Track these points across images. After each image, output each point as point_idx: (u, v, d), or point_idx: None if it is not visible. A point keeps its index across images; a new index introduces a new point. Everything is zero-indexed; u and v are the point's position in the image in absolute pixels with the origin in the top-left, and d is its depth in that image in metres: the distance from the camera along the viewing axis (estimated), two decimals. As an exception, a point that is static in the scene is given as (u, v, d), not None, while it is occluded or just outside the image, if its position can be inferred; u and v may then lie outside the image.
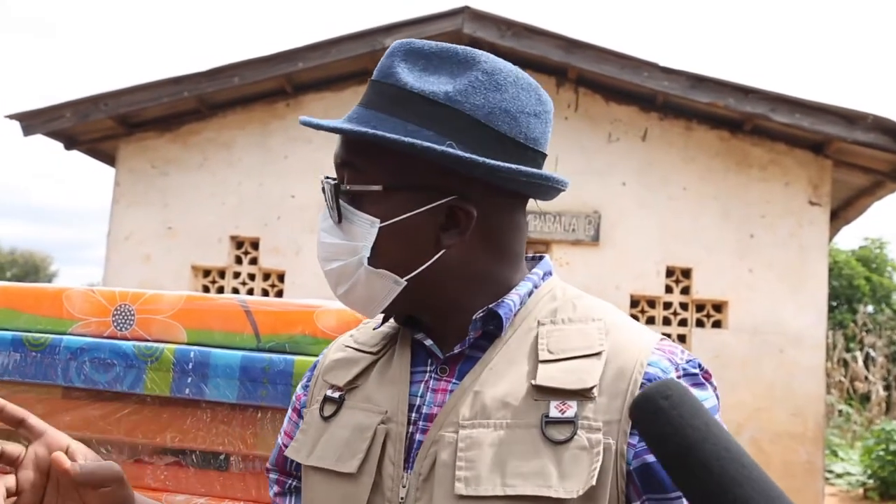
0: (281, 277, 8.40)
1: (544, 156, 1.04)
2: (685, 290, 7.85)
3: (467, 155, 0.94)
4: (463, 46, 1.02)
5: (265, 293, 8.34)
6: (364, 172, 1.00)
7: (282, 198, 8.37)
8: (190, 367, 1.43)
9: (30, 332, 1.53)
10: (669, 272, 7.89)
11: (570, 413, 0.90)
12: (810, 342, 7.54)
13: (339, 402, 1.05)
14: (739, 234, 7.79)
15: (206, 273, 8.50)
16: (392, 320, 1.08)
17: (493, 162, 0.95)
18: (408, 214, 0.98)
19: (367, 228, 0.98)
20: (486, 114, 0.97)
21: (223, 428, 1.43)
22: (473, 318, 0.99)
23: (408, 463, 0.96)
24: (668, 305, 7.83)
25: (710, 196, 7.85)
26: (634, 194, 7.87)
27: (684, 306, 7.83)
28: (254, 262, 8.45)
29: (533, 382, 0.93)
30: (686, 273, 7.88)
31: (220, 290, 8.36)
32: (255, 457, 1.44)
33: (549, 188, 1.03)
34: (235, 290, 8.32)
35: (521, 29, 7.87)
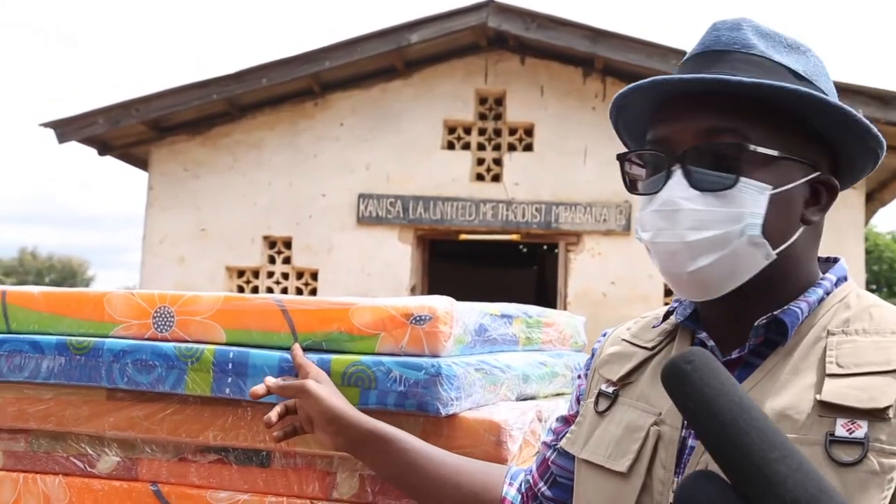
0: (314, 276, 8.46)
1: None
2: (719, 278, 7.78)
3: (860, 117, 0.94)
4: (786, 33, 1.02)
5: (299, 292, 8.40)
6: (747, 137, 0.93)
7: (312, 196, 8.42)
8: (229, 366, 1.45)
9: (73, 335, 1.56)
10: (703, 260, 7.82)
11: (859, 434, 0.82)
12: (848, 327, 7.44)
13: (612, 398, 1.04)
14: (773, 220, 7.71)
15: (241, 273, 8.59)
16: (672, 317, 1.06)
17: (868, 124, 0.95)
18: (795, 184, 0.94)
19: (755, 196, 0.92)
20: (830, 91, 0.99)
21: (264, 426, 1.46)
22: (756, 324, 0.94)
23: (678, 468, 0.93)
24: (702, 293, 7.77)
25: (741, 182, 7.78)
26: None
27: (719, 294, 7.76)
28: (287, 261, 8.52)
29: (818, 397, 0.86)
30: (720, 260, 7.81)
31: (255, 290, 8.44)
32: (295, 453, 1.46)
33: (863, 174, 1.03)
34: (269, 290, 8.39)
35: (546, 20, 7.85)
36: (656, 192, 0.97)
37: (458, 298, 1.51)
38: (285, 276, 8.52)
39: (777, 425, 0.83)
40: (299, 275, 8.52)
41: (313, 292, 8.33)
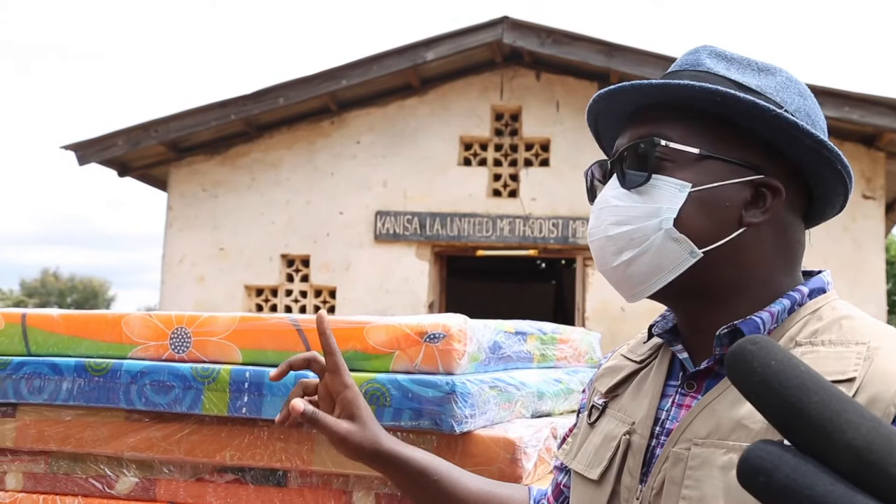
0: (332, 293, 8.48)
1: None
2: (739, 291, 7.73)
3: (803, 124, 0.93)
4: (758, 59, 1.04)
5: (317, 310, 8.42)
6: (667, 137, 0.98)
7: (330, 214, 8.46)
8: (246, 386, 1.46)
9: (92, 357, 1.58)
10: (722, 273, 7.79)
11: None
12: (871, 339, 7.37)
13: (601, 409, 1.08)
14: (792, 232, 7.66)
15: (259, 292, 8.63)
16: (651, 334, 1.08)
17: (820, 136, 0.94)
18: (719, 183, 0.96)
19: (674, 192, 0.96)
20: (794, 110, 0.98)
21: (280, 445, 1.46)
22: (717, 333, 0.95)
23: (644, 476, 0.96)
24: (721, 306, 7.73)
25: (760, 194, 7.74)
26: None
27: (738, 307, 7.72)
28: (305, 279, 8.55)
29: None
30: (739, 273, 7.77)
31: (273, 308, 8.47)
32: (312, 472, 1.46)
33: (839, 197, 1.02)
34: (288, 308, 8.42)
35: (561, 35, 7.87)
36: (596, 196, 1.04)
37: (477, 315, 1.52)
38: (303, 294, 8.55)
39: (734, 435, 0.87)
40: (317, 293, 8.54)
41: (331, 310, 8.35)
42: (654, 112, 1.00)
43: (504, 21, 7.94)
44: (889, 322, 12.07)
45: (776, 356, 0.62)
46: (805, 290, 0.99)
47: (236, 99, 8.28)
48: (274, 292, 8.59)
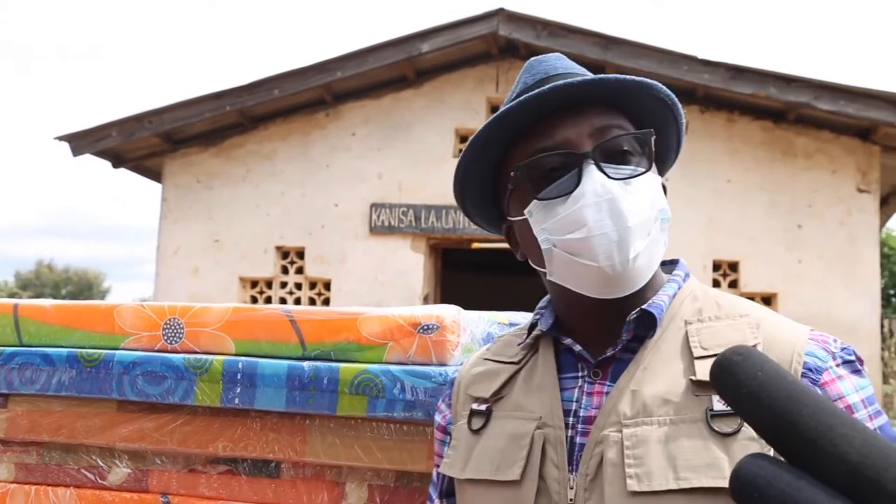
0: (327, 285, 8.47)
1: None
2: (733, 284, 7.75)
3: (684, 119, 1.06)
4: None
5: (312, 302, 8.42)
6: (630, 129, 1.03)
7: (325, 206, 8.44)
8: (238, 377, 1.46)
9: (84, 348, 1.57)
10: (716, 266, 7.80)
11: None
12: (864, 332, 7.39)
13: (486, 414, 1.06)
14: (787, 225, 7.68)
15: (254, 284, 8.61)
16: (532, 333, 1.10)
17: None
18: (659, 176, 1.05)
19: (655, 182, 1.01)
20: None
21: (273, 436, 1.46)
22: (627, 318, 0.99)
23: (571, 465, 0.96)
24: (716, 300, 7.74)
25: (755, 187, 7.75)
26: (677, 189, 7.80)
27: (733, 300, 7.73)
28: (300, 271, 8.53)
29: (693, 378, 0.93)
30: (733, 266, 7.78)
31: (268, 300, 8.46)
32: (304, 463, 1.46)
33: (673, 152, 1.12)
34: (283, 300, 8.41)
35: (557, 28, 7.85)
36: (572, 191, 0.98)
37: (472, 307, 1.51)
38: (298, 286, 8.54)
39: (660, 410, 0.91)
40: (312, 285, 8.53)
41: (326, 302, 8.34)
42: (597, 107, 1.02)
43: (500, 13, 7.92)
44: (885, 318, 12.10)
45: (762, 367, 0.61)
46: (682, 273, 1.07)
47: (231, 90, 8.25)
48: (269, 284, 8.58)
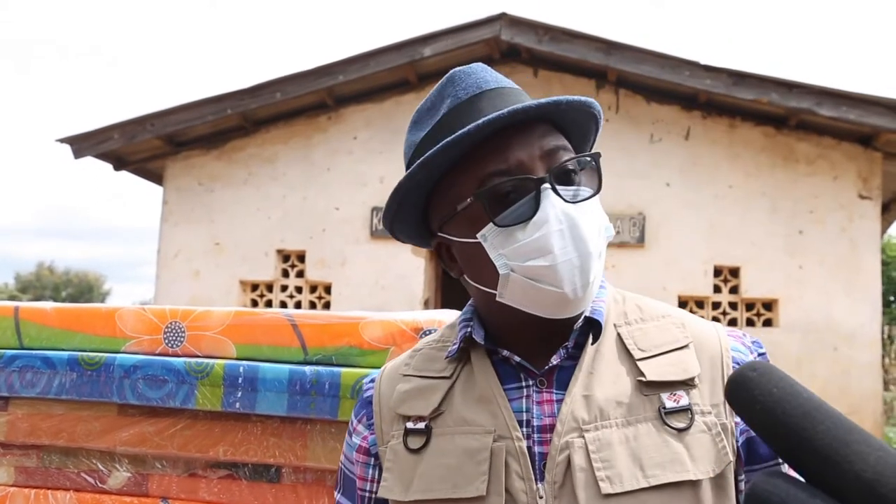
0: (328, 289, 8.47)
1: None
2: (734, 290, 7.74)
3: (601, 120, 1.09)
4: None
5: (312, 305, 8.41)
6: (573, 151, 1.03)
7: (326, 210, 8.44)
8: (240, 381, 1.45)
9: (85, 351, 1.57)
10: (717, 271, 7.79)
11: (683, 402, 0.95)
12: (865, 338, 7.38)
13: (426, 432, 1.03)
14: (788, 231, 7.67)
15: (254, 287, 8.61)
16: (460, 346, 1.06)
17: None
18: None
19: (598, 202, 1.03)
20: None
21: (273, 440, 1.45)
22: (574, 327, 1.01)
23: (536, 475, 0.95)
24: (716, 305, 7.74)
25: (756, 193, 7.75)
26: (679, 194, 7.79)
27: (733, 306, 7.72)
28: (300, 274, 8.53)
29: (641, 379, 0.96)
30: (734, 272, 7.77)
31: (269, 303, 8.46)
32: (305, 468, 1.45)
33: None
34: (283, 304, 8.41)
35: (559, 33, 7.85)
36: (531, 217, 0.96)
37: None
38: (299, 289, 8.54)
39: (615, 412, 0.94)
40: (313, 288, 8.53)
41: (327, 306, 8.33)
42: (542, 127, 1.01)
43: (502, 17, 7.92)
44: (886, 324, 12.09)
45: (777, 383, 0.60)
46: (602, 277, 1.08)
47: (233, 93, 8.25)
48: (269, 287, 8.58)
